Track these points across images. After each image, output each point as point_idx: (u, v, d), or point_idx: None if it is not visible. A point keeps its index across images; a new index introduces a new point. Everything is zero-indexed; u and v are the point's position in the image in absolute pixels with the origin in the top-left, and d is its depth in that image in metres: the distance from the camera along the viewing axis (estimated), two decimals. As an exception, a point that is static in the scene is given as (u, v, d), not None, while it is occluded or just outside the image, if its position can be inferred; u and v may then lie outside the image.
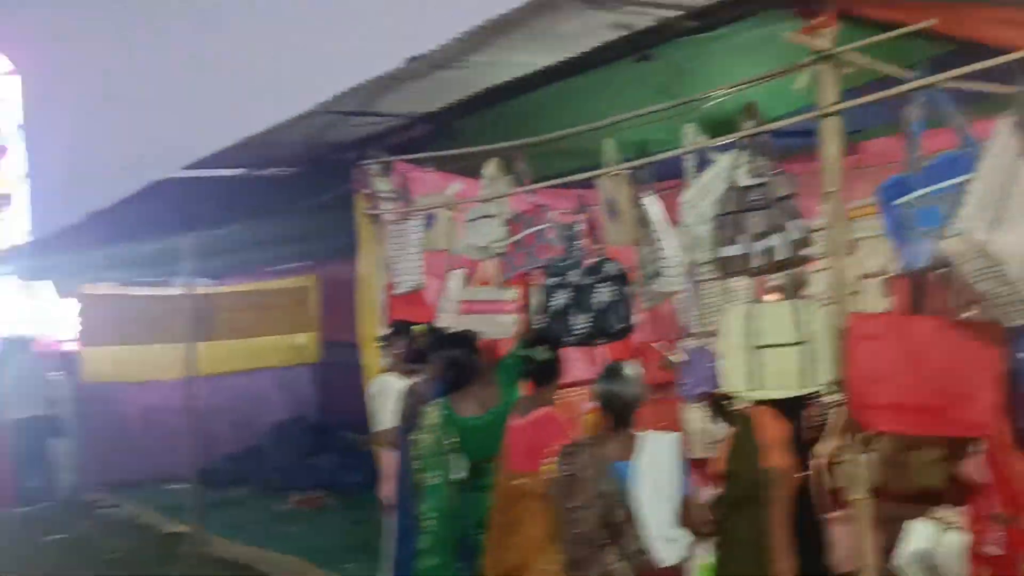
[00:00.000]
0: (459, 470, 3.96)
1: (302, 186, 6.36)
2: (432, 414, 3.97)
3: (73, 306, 10.39)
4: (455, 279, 5.01)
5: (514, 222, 4.40)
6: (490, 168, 4.71)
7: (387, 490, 5.01)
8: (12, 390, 9.44)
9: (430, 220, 5.06)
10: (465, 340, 4.07)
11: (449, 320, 4.93)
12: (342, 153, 5.77)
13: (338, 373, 10.81)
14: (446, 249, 5.00)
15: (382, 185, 5.42)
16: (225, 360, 10.20)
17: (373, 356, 5.52)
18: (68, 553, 7.64)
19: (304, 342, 11.04)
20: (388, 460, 4.97)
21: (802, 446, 3.33)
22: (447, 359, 4.03)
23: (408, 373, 4.90)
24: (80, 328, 10.17)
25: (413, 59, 4.21)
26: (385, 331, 5.24)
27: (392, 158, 5.34)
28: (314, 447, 10.07)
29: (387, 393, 4.91)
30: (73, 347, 10.44)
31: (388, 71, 4.30)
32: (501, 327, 4.29)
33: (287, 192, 6.50)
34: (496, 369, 4.10)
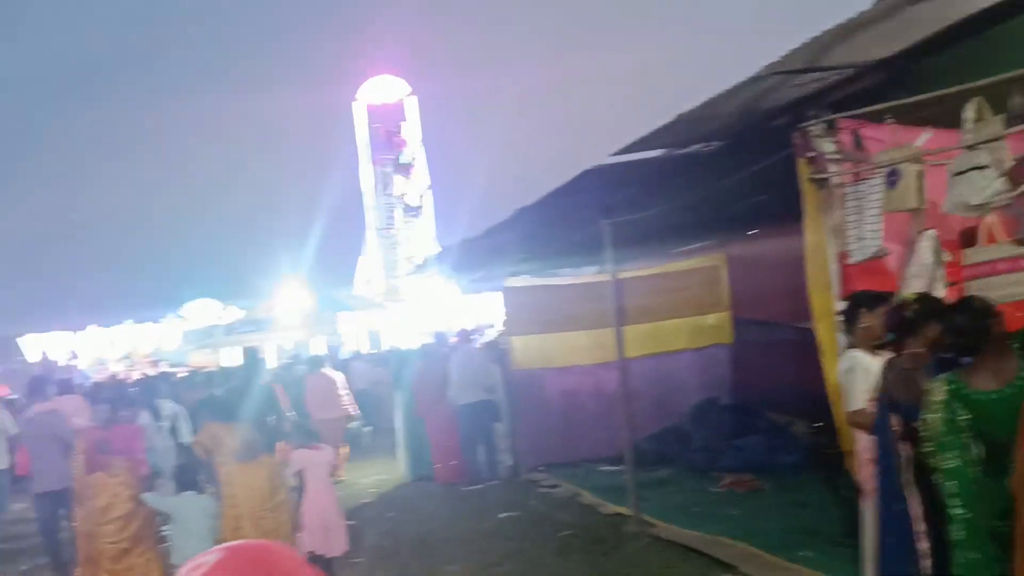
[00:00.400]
0: (976, 451, 3.49)
1: (728, 159, 6.16)
2: (939, 390, 3.53)
3: (497, 300, 11.19)
4: (927, 241, 4.50)
5: (1019, 168, 3.80)
6: (971, 110, 4.13)
7: (864, 474, 4.63)
8: (459, 379, 10.39)
9: (892, 178, 4.58)
10: (972, 306, 3.57)
11: (921, 287, 4.44)
12: (775, 119, 5.48)
13: (753, 353, 10.52)
14: (916, 208, 4.50)
15: (827, 146, 5.04)
16: (639, 343, 10.37)
17: (829, 332, 5.17)
18: (524, 529, 8.19)
19: (716, 322, 10.90)
20: (864, 442, 4.58)
21: None
22: (952, 328, 3.56)
23: (880, 348, 4.48)
24: (506, 319, 10.97)
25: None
26: (843, 304, 4.86)
27: (840, 115, 4.94)
28: (737, 428, 9.87)
29: (858, 370, 4.52)
30: (502, 338, 11.32)
31: (850, 18, 3.94)
32: (1019, 288, 3.73)
33: (714, 167, 6.34)
34: (1015, 337, 3.55)
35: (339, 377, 12.10)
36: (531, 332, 10.64)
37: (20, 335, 32.43)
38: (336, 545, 6.85)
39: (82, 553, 6.65)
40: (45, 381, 9.94)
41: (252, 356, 11.14)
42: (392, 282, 35.50)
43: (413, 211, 37.95)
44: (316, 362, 12.59)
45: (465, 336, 11.23)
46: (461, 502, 9.70)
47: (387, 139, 38.76)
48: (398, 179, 37.95)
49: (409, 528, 8.73)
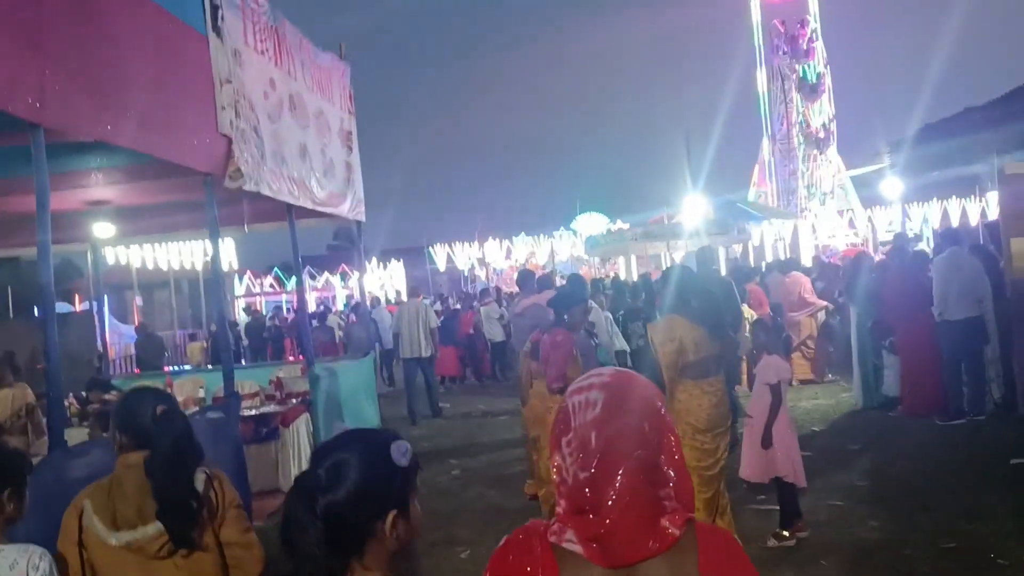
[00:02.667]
0: None
1: None
2: None
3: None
4: None
5: None
6: None
7: None
8: (945, 290, 8.34)
9: None
10: None
11: None
12: None
13: None
14: None
15: None
16: None
17: None
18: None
19: None
20: None
21: None
22: None
23: None
24: (1002, 214, 8.63)
25: None
26: None
27: None
28: None
29: None
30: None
31: None
32: None
33: None
34: None
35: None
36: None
37: (430, 245, 34.92)
38: (800, 472, 5.49)
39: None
40: (531, 276, 9.71)
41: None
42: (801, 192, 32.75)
43: (818, 143, 33.97)
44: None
45: (953, 237, 8.90)
46: (945, 439, 7.80)
47: (788, 36, 35.12)
48: (800, 105, 33.85)
49: (889, 469, 7.08)
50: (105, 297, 24.10)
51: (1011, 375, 8.38)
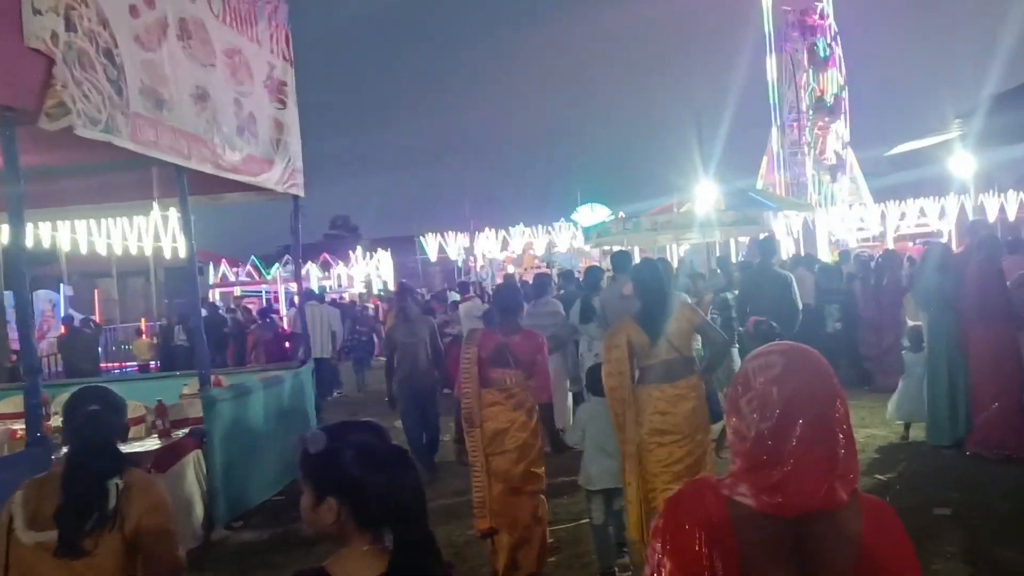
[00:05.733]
0: None
1: None
2: None
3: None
4: None
5: None
6: None
7: None
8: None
9: None
10: None
11: None
12: None
13: None
14: None
15: None
16: None
17: None
18: None
19: None
20: None
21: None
22: None
23: None
24: None
25: None
26: None
27: None
28: None
29: None
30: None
31: None
32: None
33: None
34: None
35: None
36: None
37: (421, 234, 32.80)
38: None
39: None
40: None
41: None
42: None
43: (828, 111, 32.42)
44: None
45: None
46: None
47: (799, 22, 33.45)
48: (812, 73, 32.58)
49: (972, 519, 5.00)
50: (62, 286, 22.21)
51: None
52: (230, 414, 6.36)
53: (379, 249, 31.89)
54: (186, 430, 6.03)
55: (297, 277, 9.68)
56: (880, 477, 6.54)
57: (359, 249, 31.62)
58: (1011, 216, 24.96)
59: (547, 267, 25.52)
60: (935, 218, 26.40)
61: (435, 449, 8.01)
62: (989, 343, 6.85)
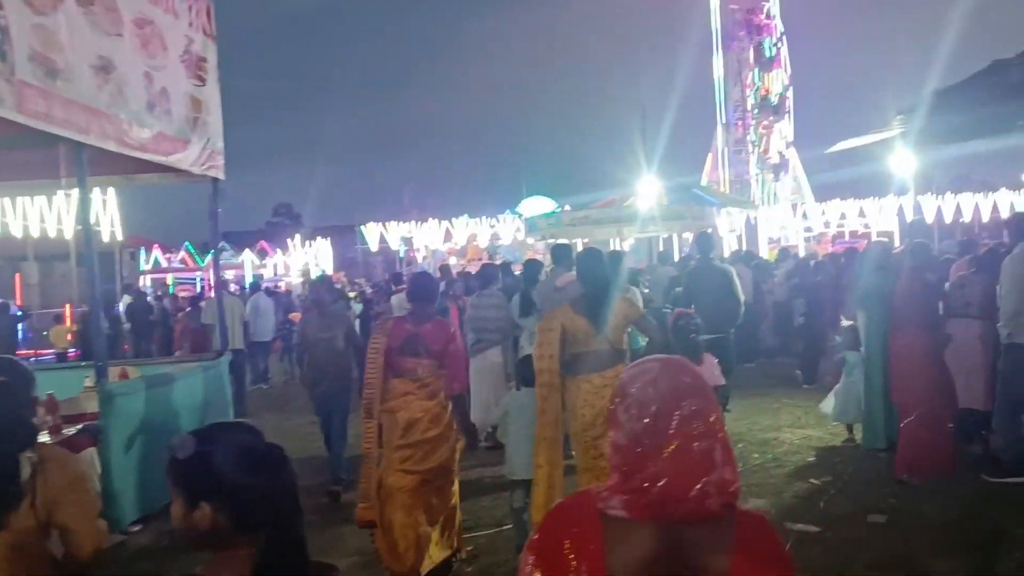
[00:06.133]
0: None
1: None
2: None
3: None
4: None
5: None
6: None
7: None
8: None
9: None
10: None
11: None
12: None
13: None
14: None
15: None
16: None
17: None
18: None
19: None
20: None
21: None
22: None
23: None
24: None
25: None
26: None
27: None
28: None
29: None
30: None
31: None
32: None
33: None
34: None
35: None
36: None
37: (362, 223, 32.18)
38: None
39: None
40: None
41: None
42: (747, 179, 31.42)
43: (773, 110, 32.72)
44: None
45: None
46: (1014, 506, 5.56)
47: (746, 21, 33.68)
48: (757, 73, 32.87)
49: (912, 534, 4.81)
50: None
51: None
52: (132, 409, 5.92)
53: (319, 237, 31.24)
54: (80, 426, 5.57)
55: (215, 265, 9.20)
56: (814, 481, 6.36)
57: (298, 237, 30.93)
58: (947, 219, 25.33)
59: (491, 259, 25.22)
60: (875, 218, 26.68)
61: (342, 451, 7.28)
62: (909, 350, 6.56)
